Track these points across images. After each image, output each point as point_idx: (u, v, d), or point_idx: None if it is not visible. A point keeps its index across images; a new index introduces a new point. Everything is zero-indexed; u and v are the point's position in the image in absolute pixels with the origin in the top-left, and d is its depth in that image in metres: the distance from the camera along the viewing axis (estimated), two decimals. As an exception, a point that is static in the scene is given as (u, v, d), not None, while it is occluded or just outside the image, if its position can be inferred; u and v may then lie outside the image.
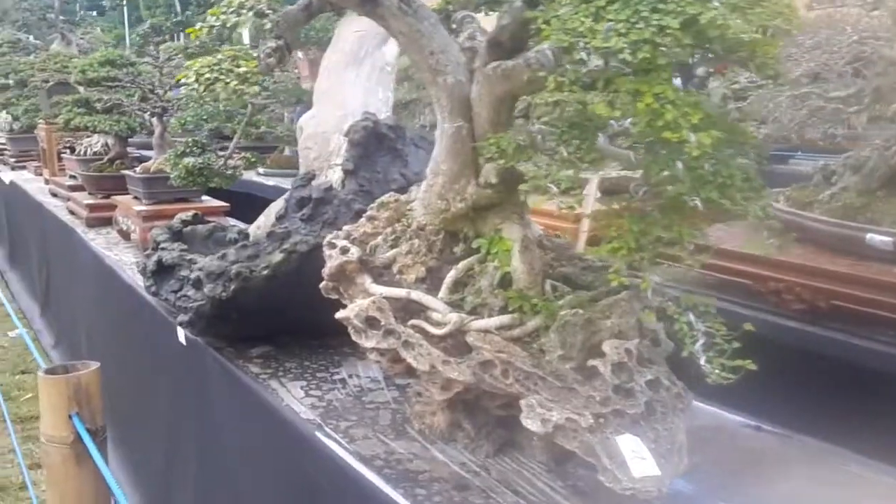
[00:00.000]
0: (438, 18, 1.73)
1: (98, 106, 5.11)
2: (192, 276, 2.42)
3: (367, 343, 1.77)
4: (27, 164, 8.49)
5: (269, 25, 1.73)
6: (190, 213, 3.52)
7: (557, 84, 1.31)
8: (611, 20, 1.25)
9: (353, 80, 2.65)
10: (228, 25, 1.77)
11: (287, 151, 8.16)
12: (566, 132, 1.41)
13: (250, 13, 1.71)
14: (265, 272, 2.31)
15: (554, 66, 1.60)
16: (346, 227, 2.09)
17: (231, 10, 1.72)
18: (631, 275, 1.67)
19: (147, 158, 6.85)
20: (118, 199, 4.52)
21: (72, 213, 5.49)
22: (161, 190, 4.21)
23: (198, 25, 1.82)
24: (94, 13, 8.02)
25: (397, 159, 2.49)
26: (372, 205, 2.13)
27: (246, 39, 2.33)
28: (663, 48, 1.23)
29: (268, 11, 1.75)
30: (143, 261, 3.08)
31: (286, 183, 6.08)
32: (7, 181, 8.06)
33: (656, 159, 1.39)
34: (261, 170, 7.69)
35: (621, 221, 1.46)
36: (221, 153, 3.46)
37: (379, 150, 2.46)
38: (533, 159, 1.53)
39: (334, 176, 2.50)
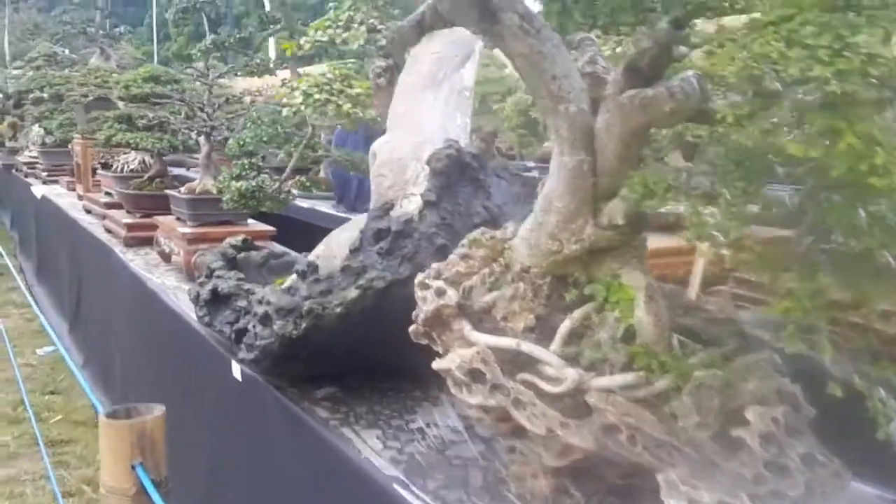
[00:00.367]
0: (561, 41, 1.56)
1: (140, 123, 4.99)
2: (259, 310, 2.24)
3: (472, 399, 1.59)
4: (59, 179, 8.40)
5: (383, 41, 1.56)
6: (239, 238, 3.37)
7: (736, 119, 1.13)
8: (808, 45, 1.06)
9: (430, 103, 2.49)
10: (338, 41, 1.60)
11: (322, 173, 8.02)
12: (730, 172, 1.23)
13: (362, 27, 1.54)
14: (339, 309, 2.14)
15: (699, 96, 1.42)
16: (435, 266, 1.91)
17: (339, 24, 1.56)
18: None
19: (183, 177, 6.76)
20: (160, 219, 4.37)
21: (108, 231, 5.35)
22: (206, 212, 4.05)
23: (302, 40, 1.66)
24: (120, 29, 7.92)
25: (480, 191, 2.32)
26: (462, 241, 1.95)
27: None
28: (872, 80, 1.05)
29: (380, 27, 1.58)
30: (194, 288, 2.92)
31: (322, 205, 5.98)
32: (39, 195, 7.96)
33: (833, 206, 1.21)
34: (294, 191, 7.56)
35: (785, 275, 1.27)
36: (276, 177, 3.30)
37: (461, 180, 2.29)
38: (676, 199, 1.35)
39: (410, 206, 2.32)
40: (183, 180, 5.80)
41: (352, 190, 7.03)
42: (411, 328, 1.82)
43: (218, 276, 2.81)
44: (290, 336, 2.13)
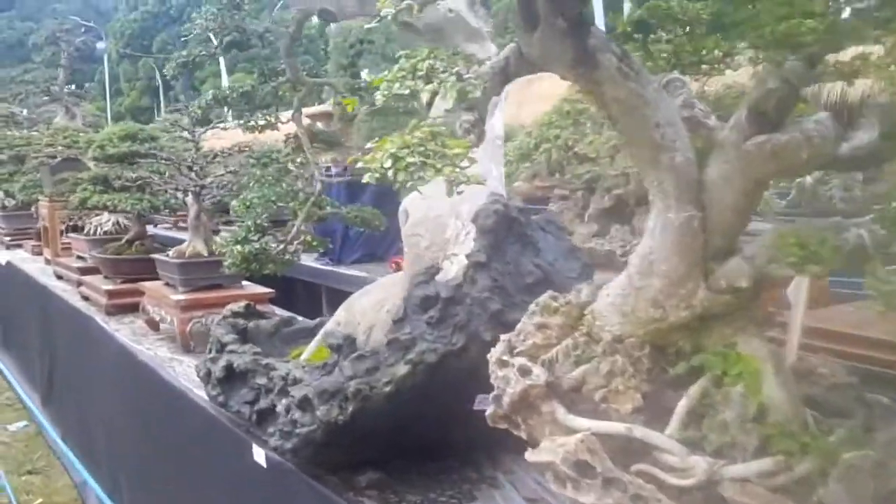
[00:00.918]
0: (661, 84, 1.38)
1: (116, 184, 4.73)
2: (296, 393, 2.01)
3: (583, 498, 1.38)
4: (23, 243, 8.05)
5: (476, 93, 1.37)
6: (241, 305, 3.14)
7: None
8: None
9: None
10: (420, 91, 1.41)
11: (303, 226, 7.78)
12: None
13: (451, 77, 1.35)
14: (388, 388, 1.92)
15: (835, 138, 1.25)
16: (505, 338, 1.71)
17: (419, 75, 1.36)
18: None
19: (161, 237, 6.48)
20: (146, 285, 4.10)
21: (86, 298, 5.05)
22: (199, 276, 3.81)
23: (377, 95, 1.46)
24: (86, 86, 7.71)
25: (528, 247, 2.13)
26: (531, 307, 1.75)
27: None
28: None
29: (468, 75, 1.39)
30: (204, 364, 2.68)
31: (305, 258, 5.74)
32: (3, 261, 7.60)
33: None
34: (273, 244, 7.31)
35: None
36: (281, 237, 3.08)
37: (508, 236, 2.10)
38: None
39: (453, 268, 2.12)
40: (162, 242, 5.54)
41: (336, 241, 6.81)
42: (489, 412, 1.61)
43: (231, 351, 2.57)
44: (335, 422, 1.90)
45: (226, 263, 3.07)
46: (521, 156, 4.38)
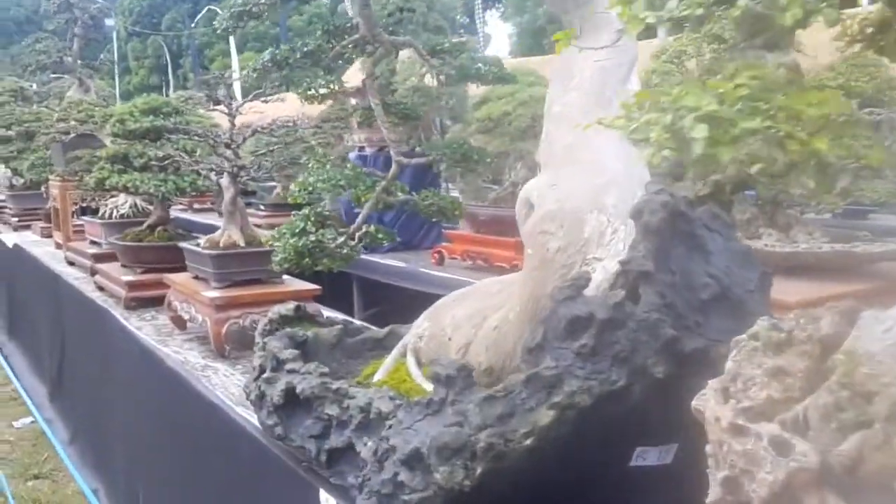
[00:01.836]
0: None
1: (137, 162, 4.24)
2: (403, 447, 1.51)
3: None
4: (32, 225, 7.57)
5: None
6: (291, 306, 2.65)
7: None
8: None
9: (603, 132, 1.79)
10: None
11: (329, 207, 7.29)
12: None
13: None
14: (528, 441, 1.42)
15: None
16: (718, 387, 1.22)
17: None
18: None
19: (181, 221, 5.99)
20: (172, 278, 3.61)
21: (101, 288, 4.57)
22: (235, 269, 3.32)
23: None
24: (102, 57, 7.24)
25: (696, 251, 1.62)
26: (746, 342, 1.26)
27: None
28: None
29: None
30: (255, 385, 2.19)
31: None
32: (10, 244, 7.12)
33: None
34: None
35: None
36: (342, 229, 2.59)
37: (672, 238, 1.60)
38: None
39: (598, 278, 1.62)
40: (185, 227, 5.06)
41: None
42: (712, 500, 1.12)
43: (292, 371, 2.08)
44: (459, 488, 1.41)
45: (276, 259, 2.59)
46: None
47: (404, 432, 1.57)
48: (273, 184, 7.74)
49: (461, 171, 5.37)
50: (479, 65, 2.38)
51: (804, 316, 1.29)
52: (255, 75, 2.32)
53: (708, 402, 1.19)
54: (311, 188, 2.34)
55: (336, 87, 2.46)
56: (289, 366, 2.10)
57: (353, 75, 7.47)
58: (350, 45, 2.30)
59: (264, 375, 2.16)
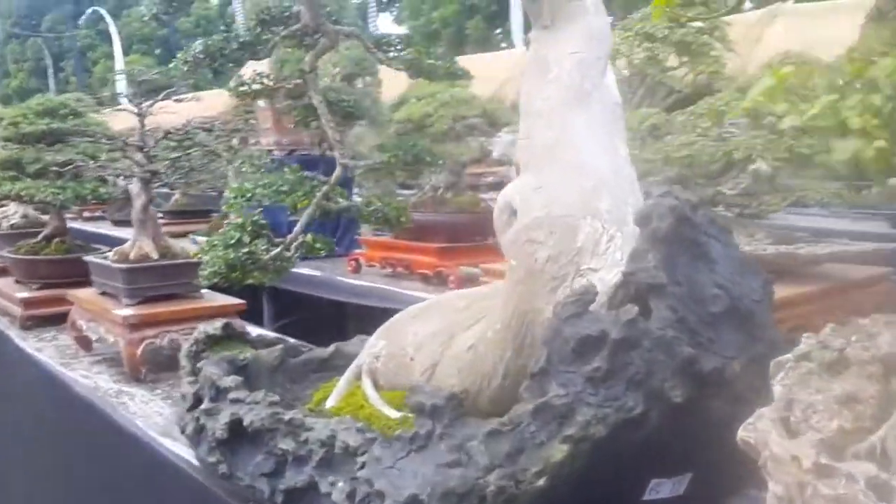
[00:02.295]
0: None
1: (31, 169, 3.87)
2: (400, 494, 1.30)
3: None
4: None
5: None
6: (218, 325, 2.41)
7: None
8: None
9: (586, 128, 1.64)
10: None
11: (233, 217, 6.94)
12: None
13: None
14: (541, 482, 1.25)
15: None
16: (769, 413, 1.07)
17: None
18: None
19: (81, 234, 5.57)
20: (77, 294, 3.29)
21: (-10, 307, 4.16)
22: (148, 284, 3.03)
23: None
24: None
25: (700, 259, 1.48)
26: (795, 364, 1.12)
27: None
28: None
29: None
30: (191, 418, 1.94)
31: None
32: None
33: None
34: (200, 238, 6.49)
35: None
36: (279, 240, 2.36)
37: (678, 246, 1.45)
38: None
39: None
40: (83, 238, 4.69)
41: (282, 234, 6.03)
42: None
43: (236, 400, 1.84)
44: (466, 540, 1.22)
45: (204, 272, 2.33)
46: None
47: (387, 473, 1.37)
48: (169, 191, 7.36)
49: (377, 175, 5.18)
50: (430, 60, 2.19)
51: (855, 332, 1.16)
52: (185, 68, 2.07)
53: (768, 435, 1.04)
54: (249, 194, 2.11)
55: (271, 83, 2.22)
56: (232, 395, 1.86)
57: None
58: (290, 36, 2.07)
59: (203, 406, 1.91)
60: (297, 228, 2.34)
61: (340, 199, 2.37)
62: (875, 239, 3.95)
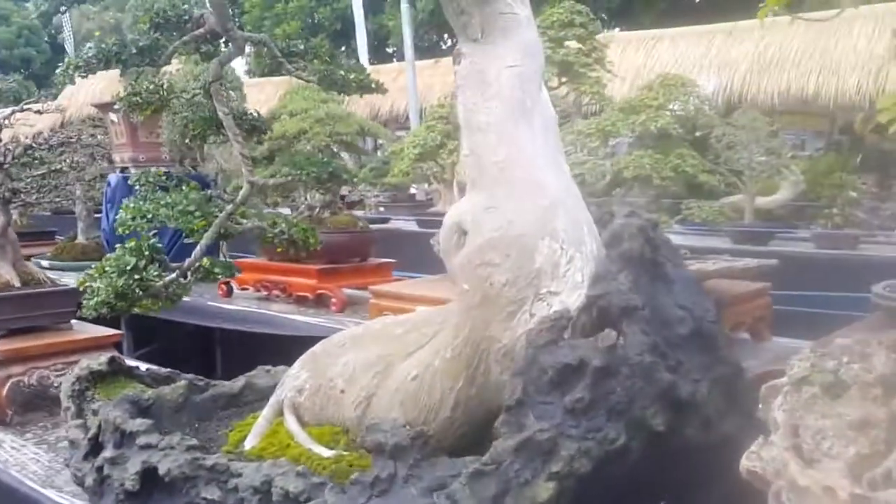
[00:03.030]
0: None
1: None
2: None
3: None
4: None
5: None
6: (104, 359, 2.21)
7: None
8: None
9: (532, 144, 1.58)
10: None
11: (81, 237, 6.48)
12: None
13: None
14: (528, 524, 1.15)
15: None
16: (779, 441, 1.03)
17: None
18: None
19: None
20: (-79, 328, 2.92)
21: None
22: (12, 315, 2.73)
23: None
24: None
25: (659, 281, 1.44)
26: (807, 388, 1.09)
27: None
28: None
29: None
30: (93, 468, 1.73)
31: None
32: None
33: None
34: (45, 263, 6.03)
35: None
36: (175, 265, 2.18)
37: (642, 267, 1.40)
38: None
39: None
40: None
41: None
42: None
43: (147, 446, 1.65)
44: None
45: (90, 302, 2.11)
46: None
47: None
48: None
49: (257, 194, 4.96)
50: (342, 71, 2.07)
51: (843, 352, 1.13)
52: (75, 73, 1.85)
53: (783, 465, 0.99)
54: (150, 215, 1.91)
55: (165, 93, 2.04)
56: (142, 439, 1.67)
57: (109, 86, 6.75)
58: (192, 41, 1.90)
59: (106, 454, 1.70)
60: (196, 252, 2.17)
61: (243, 220, 2.21)
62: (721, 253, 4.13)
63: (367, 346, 1.77)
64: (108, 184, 5.67)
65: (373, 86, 2.12)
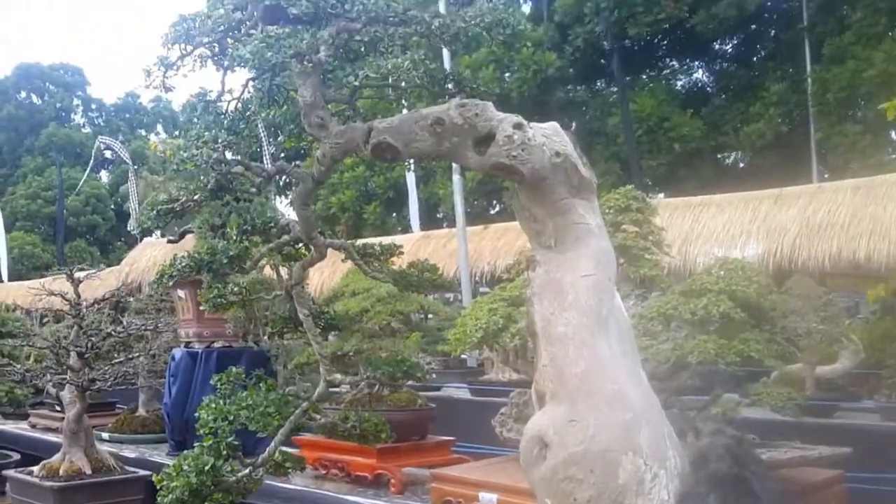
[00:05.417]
0: None
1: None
2: None
3: None
4: None
5: None
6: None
7: None
8: None
9: (611, 356, 1.61)
10: None
11: (141, 409, 6.55)
12: None
13: None
14: None
15: None
16: None
17: None
18: None
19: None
20: (-9, 515, 2.96)
21: None
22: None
23: None
24: None
25: (746, 498, 1.42)
26: None
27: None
28: None
29: None
30: None
31: (156, 454, 4.81)
32: None
33: None
34: (105, 435, 6.09)
35: None
36: (249, 461, 2.21)
37: (731, 486, 1.40)
38: None
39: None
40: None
41: (192, 431, 5.69)
42: None
43: None
44: None
45: (165, 500, 2.14)
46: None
47: None
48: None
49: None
50: (414, 271, 2.16)
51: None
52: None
53: None
54: (230, 417, 1.96)
55: (247, 294, 2.13)
56: None
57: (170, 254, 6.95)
58: (275, 249, 2.01)
59: None
60: (270, 447, 2.20)
61: (316, 416, 2.25)
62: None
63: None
64: (172, 357, 5.78)
65: (445, 284, 2.20)
